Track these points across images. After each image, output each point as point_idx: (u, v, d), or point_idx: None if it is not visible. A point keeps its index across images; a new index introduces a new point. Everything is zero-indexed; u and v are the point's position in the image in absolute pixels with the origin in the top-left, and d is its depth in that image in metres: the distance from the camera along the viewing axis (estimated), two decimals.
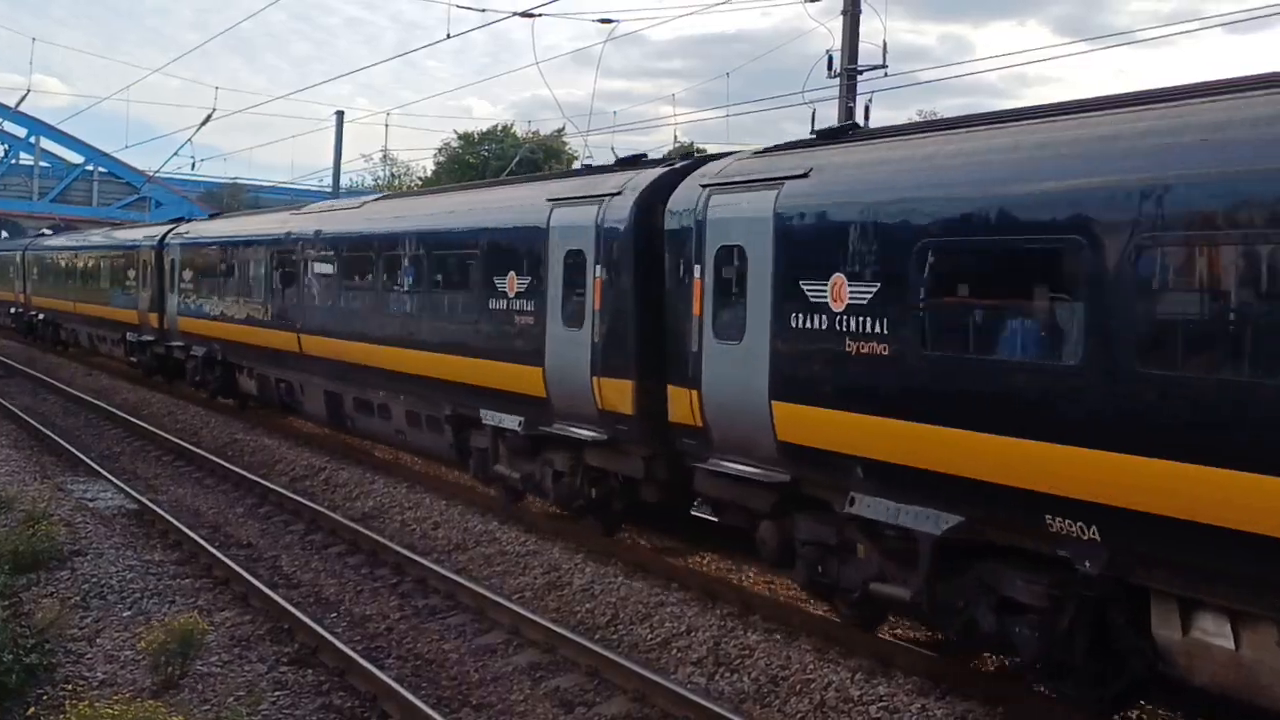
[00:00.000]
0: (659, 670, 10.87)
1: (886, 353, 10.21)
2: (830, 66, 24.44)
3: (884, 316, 10.28)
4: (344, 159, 56.46)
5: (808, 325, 11.07)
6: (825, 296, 10.85)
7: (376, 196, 23.48)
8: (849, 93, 24.49)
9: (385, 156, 75.62)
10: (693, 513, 15.37)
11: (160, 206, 75.73)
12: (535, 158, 54.11)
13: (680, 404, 12.88)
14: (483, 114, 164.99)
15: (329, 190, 52.63)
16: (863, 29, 24.48)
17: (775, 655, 10.96)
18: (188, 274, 29.68)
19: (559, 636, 11.56)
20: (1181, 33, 63.84)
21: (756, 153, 13.06)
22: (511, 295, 15.75)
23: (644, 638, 11.89)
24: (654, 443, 13.68)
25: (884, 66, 24.33)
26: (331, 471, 20.60)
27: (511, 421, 15.85)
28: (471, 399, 16.90)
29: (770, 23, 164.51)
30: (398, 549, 15.04)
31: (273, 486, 19.25)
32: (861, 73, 24.58)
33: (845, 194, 11.05)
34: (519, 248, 15.80)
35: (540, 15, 26.80)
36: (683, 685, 10.38)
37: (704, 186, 12.77)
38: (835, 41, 24.59)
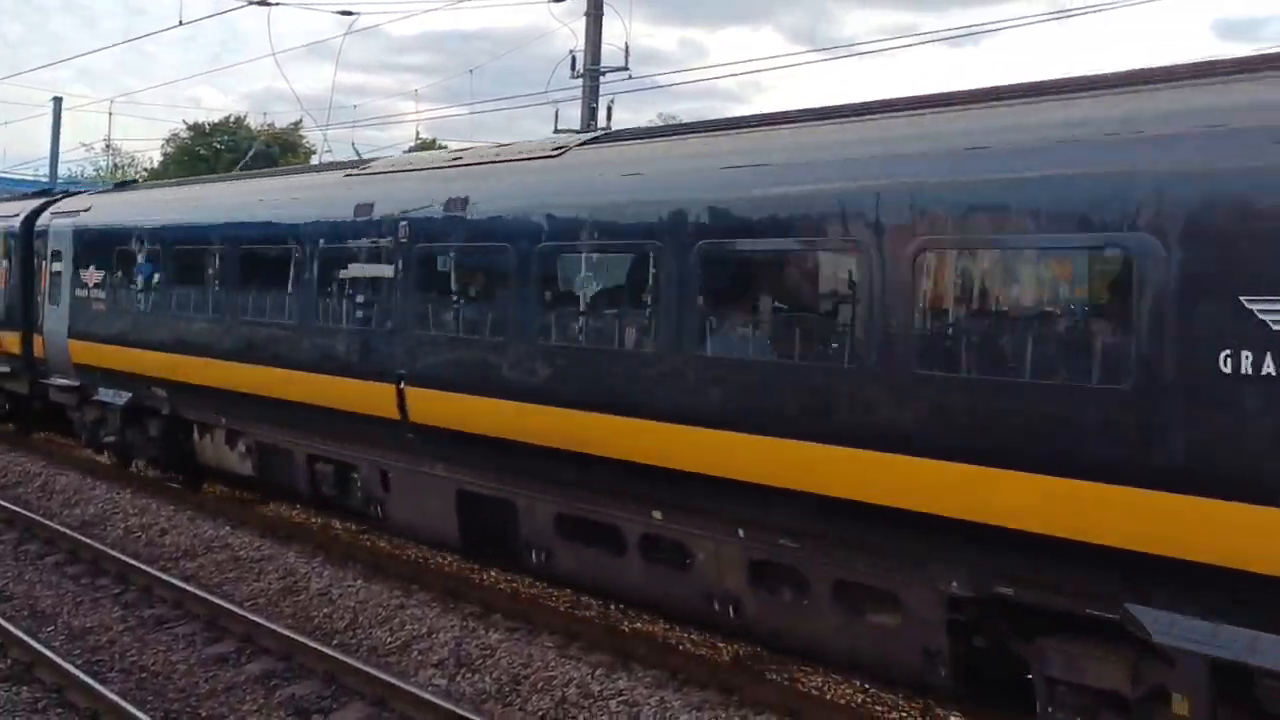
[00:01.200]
0: (399, 674, 10.71)
1: None
2: (574, 67, 24.76)
3: None
4: (63, 148, 53.30)
5: None
6: None
7: (608, 134, 13.89)
8: (592, 93, 24.83)
9: (109, 146, 71.69)
10: None
11: None
12: (271, 151, 52.48)
13: None
14: (214, 104, 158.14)
15: (45, 180, 49.56)
16: (605, 31, 24.94)
17: (517, 654, 10.98)
18: (93, 275, 19.85)
19: (295, 643, 11.25)
20: (903, 46, 67.31)
21: None
22: None
23: (384, 641, 11.71)
24: None
25: (626, 68, 24.81)
26: (49, 477, 19.45)
27: None
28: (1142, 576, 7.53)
29: (514, 21, 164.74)
30: (121, 557, 14.32)
31: None
32: (604, 74, 24.95)
33: None
34: None
35: (277, 4, 26.03)
36: (423, 688, 10.26)
37: None
38: (578, 42, 24.96)
